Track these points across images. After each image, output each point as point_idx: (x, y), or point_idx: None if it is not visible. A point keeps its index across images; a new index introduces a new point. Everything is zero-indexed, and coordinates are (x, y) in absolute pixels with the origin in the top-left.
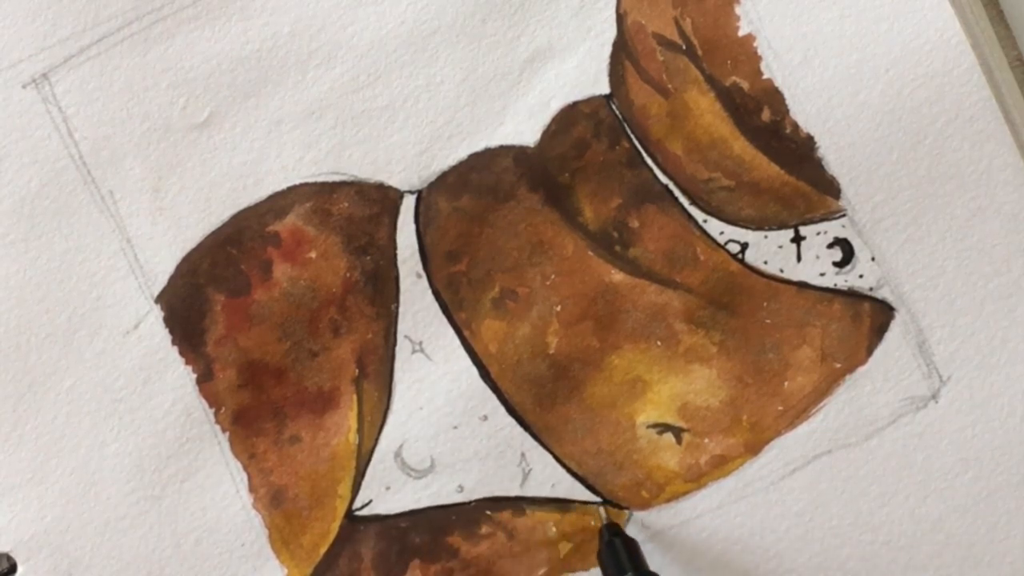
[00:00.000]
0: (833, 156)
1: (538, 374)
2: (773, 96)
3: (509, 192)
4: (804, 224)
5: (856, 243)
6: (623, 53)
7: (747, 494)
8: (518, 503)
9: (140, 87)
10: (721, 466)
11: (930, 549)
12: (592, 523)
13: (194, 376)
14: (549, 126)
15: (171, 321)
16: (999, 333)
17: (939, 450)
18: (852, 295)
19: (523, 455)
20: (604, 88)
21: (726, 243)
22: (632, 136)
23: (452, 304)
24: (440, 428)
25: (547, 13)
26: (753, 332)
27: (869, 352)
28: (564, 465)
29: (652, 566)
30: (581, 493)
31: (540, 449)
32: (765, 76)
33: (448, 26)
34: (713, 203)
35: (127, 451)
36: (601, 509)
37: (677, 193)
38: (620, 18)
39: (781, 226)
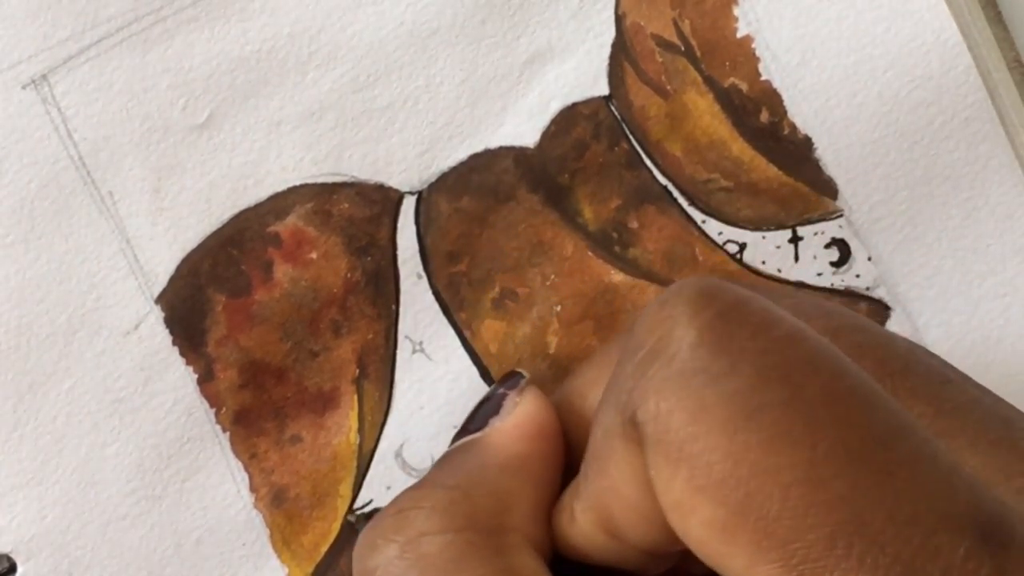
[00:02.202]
0: (831, 157)
1: (538, 374)
2: (771, 97)
3: (509, 193)
4: (802, 225)
5: (853, 243)
6: (622, 54)
7: None
8: None
9: (140, 88)
10: None
11: None
12: None
13: (195, 376)
14: (549, 127)
15: (172, 321)
16: (994, 333)
17: None
18: (849, 295)
19: None
20: (603, 89)
21: (725, 243)
22: (631, 137)
23: (452, 304)
24: (441, 428)
25: (546, 14)
26: None
27: None
28: None
29: None
30: None
31: None
32: (763, 77)
33: (448, 27)
34: (712, 204)
35: (127, 451)
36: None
37: (676, 194)
38: (619, 19)
39: (779, 227)
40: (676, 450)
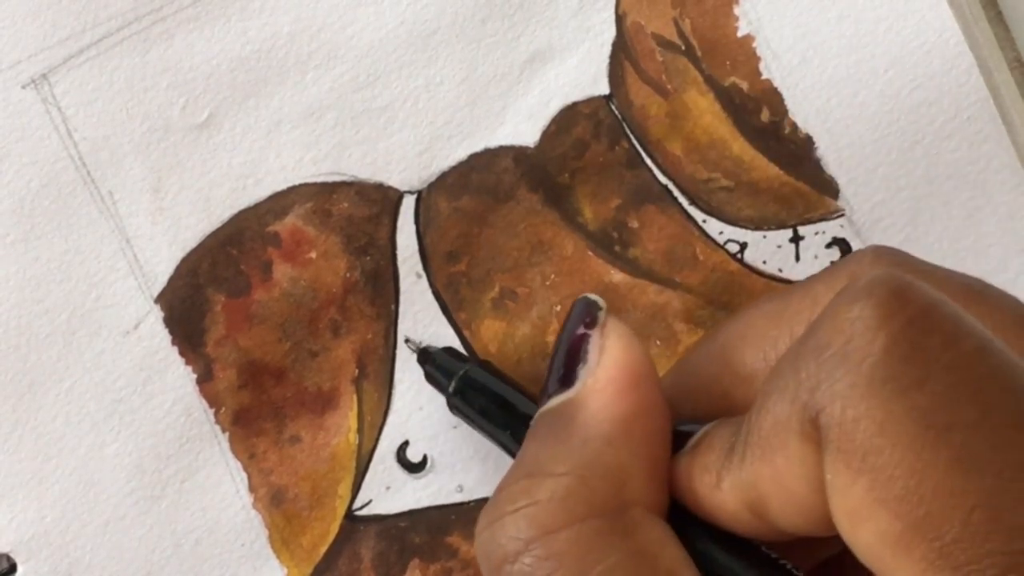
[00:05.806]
0: (832, 156)
1: (538, 374)
2: (772, 96)
3: (509, 192)
4: (803, 224)
5: (854, 243)
6: (622, 53)
7: None
8: None
9: (140, 87)
10: None
11: None
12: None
13: (194, 376)
14: (549, 126)
15: (171, 321)
16: None
17: None
18: None
19: None
20: (604, 88)
21: (725, 243)
22: (632, 136)
23: (452, 304)
24: (440, 428)
25: (547, 14)
26: None
27: None
28: None
29: None
30: None
31: None
32: (764, 76)
33: (448, 27)
34: (712, 203)
35: (127, 451)
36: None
37: (677, 193)
38: (619, 19)
39: (780, 226)
40: (859, 460)
